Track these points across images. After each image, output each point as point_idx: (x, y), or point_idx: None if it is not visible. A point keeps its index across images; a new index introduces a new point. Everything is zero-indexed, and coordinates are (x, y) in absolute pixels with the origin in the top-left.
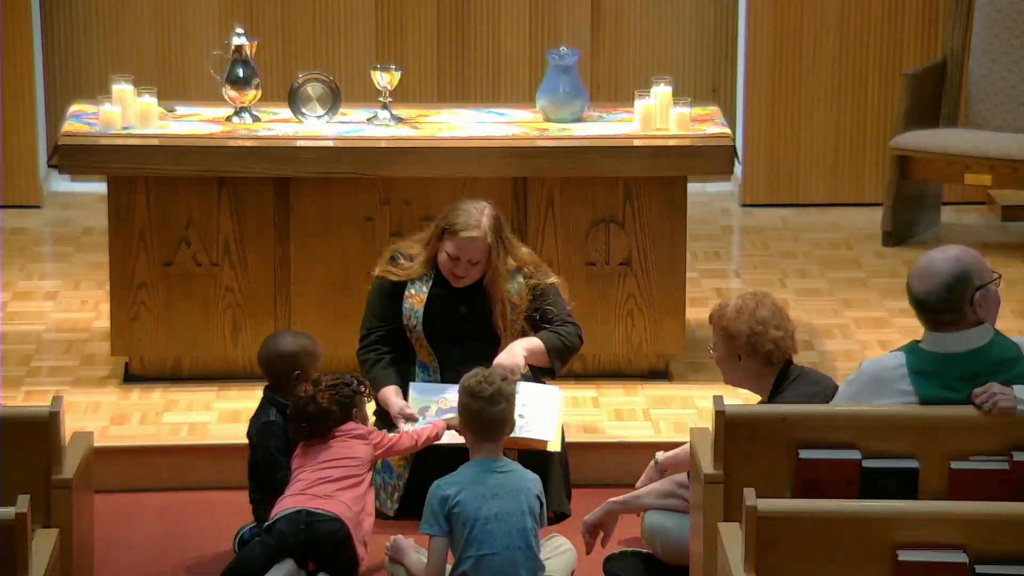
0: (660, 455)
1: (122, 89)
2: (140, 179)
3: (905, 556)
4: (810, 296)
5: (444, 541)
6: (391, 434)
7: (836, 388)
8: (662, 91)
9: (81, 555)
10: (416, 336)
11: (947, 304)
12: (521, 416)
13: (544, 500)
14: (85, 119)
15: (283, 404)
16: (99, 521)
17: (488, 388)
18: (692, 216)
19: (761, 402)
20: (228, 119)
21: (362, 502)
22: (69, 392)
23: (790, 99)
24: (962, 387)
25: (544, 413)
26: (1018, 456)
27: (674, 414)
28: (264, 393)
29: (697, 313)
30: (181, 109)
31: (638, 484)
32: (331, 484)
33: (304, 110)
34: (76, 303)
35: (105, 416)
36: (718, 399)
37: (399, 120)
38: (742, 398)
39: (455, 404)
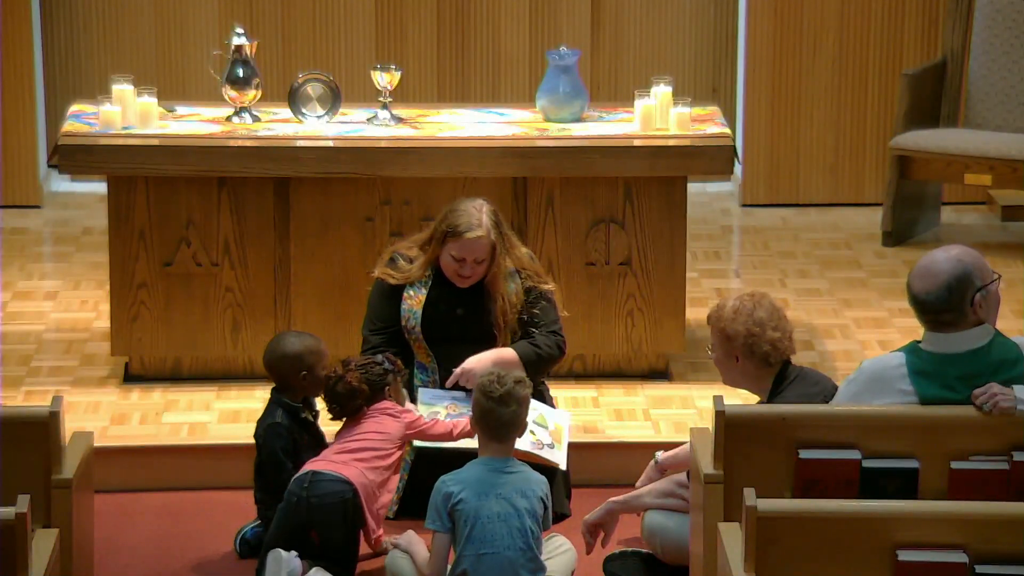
0: (660, 455)
1: (122, 89)
2: (140, 179)
3: (905, 556)
4: (810, 296)
5: (447, 538)
6: (426, 419)
7: (835, 388)
8: (662, 91)
9: (81, 555)
10: (414, 338)
11: (947, 305)
12: (546, 442)
13: (549, 503)
14: (85, 119)
15: (290, 405)
16: (99, 521)
17: (499, 389)
18: (692, 216)
19: (760, 403)
20: (228, 119)
21: (382, 475)
22: (69, 392)
23: (790, 99)
24: (962, 387)
25: (562, 439)
26: (1018, 456)
27: (674, 414)
28: (272, 395)
29: (697, 313)
30: (181, 109)
31: (638, 484)
32: (350, 454)
33: (304, 110)
34: (76, 303)
35: (105, 416)
36: (718, 399)
37: (399, 120)
38: (742, 398)
39: (463, 410)
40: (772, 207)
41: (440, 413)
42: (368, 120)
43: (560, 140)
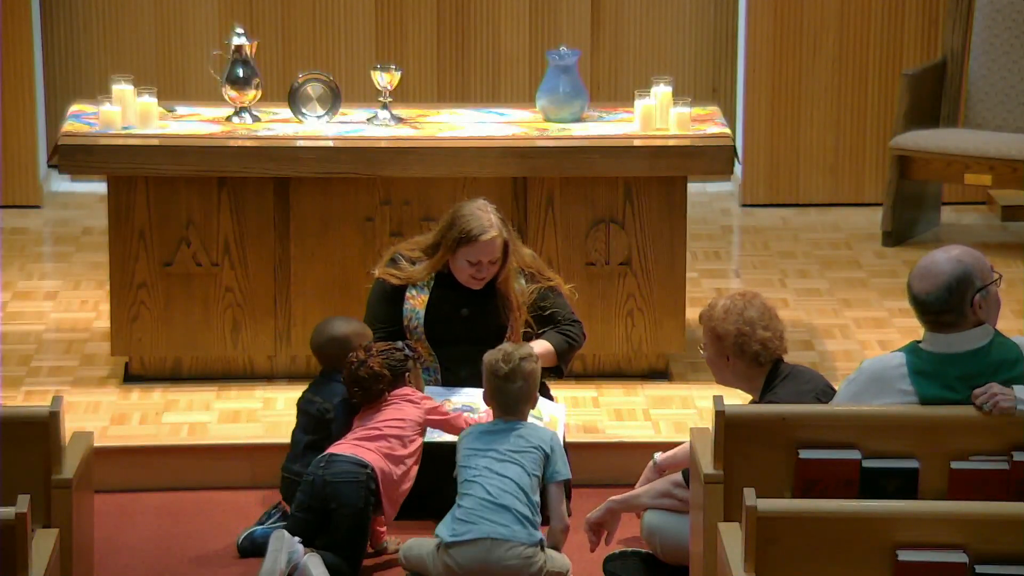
0: (658, 456)
1: (122, 89)
2: (140, 179)
3: (905, 556)
4: (810, 296)
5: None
6: (448, 409)
7: (828, 385)
8: (662, 91)
9: (81, 555)
10: (417, 338)
11: (947, 305)
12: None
13: (557, 451)
14: (85, 119)
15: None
16: (99, 521)
17: (505, 367)
18: (692, 216)
19: (753, 402)
20: (228, 119)
21: (402, 464)
22: (69, 392)
23: (790, 99)
24: (962, 387)
25: (556, 429)
26: (1018, 456)
27: (674, 414)
28: (321, 377)
29: (697, 313)
30: (181, 109)
31: (637, 485)
32: (371, 440)
33: (304, 110)
34: (76, 303)
35: (105, 416)
36: (718, 399)
37: (399, 120)
38: (742, 398)
39: (458, 404)
40: (772, 207)
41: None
42: (368, 120)
43: (560, 140)
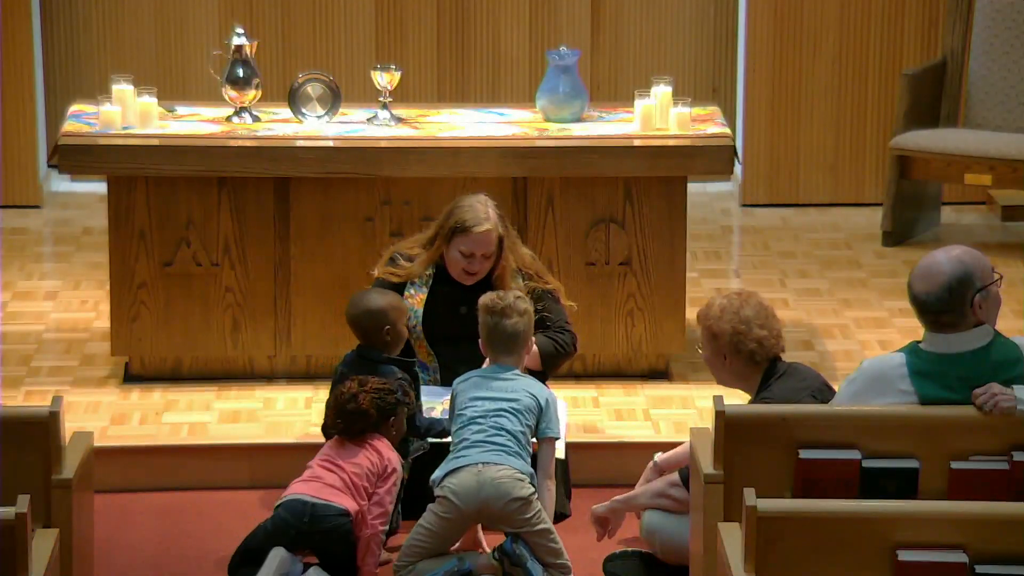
0: (658, 456)
1: (122, 89)
2: (140, 179)
3: (905, 556)
4: (810, 296)
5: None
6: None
7: (824, 383)
8: (662, 91)
9: (81, 555)
10: (416, 336)
11: (947, 306)
12: None
13: (551, 405)
14: (85, 119)
15: (380, 357)
16: (99, 521)
17: (500, 303)
18: (692, 216)
19: (751, 401)
20: (228, 119)
21: (378, 508)
22: (69, 392)
23: (790, 99)
24: (962, 388)
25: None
26: (1018, 456)
27: (674, 414)
28: (359, 350)
29: (697, 313)
30: (181, 109)
31: (637, 485)
32: (341, 480)
33: (304, 110)
34: (76, 303)
35: (105, 416)
36: (718, 399)
37: (399, 120)
38: (742, 398)
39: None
40: (772, 207)
41: (436, 409)
42: (368, 120)
43: (560, 140)
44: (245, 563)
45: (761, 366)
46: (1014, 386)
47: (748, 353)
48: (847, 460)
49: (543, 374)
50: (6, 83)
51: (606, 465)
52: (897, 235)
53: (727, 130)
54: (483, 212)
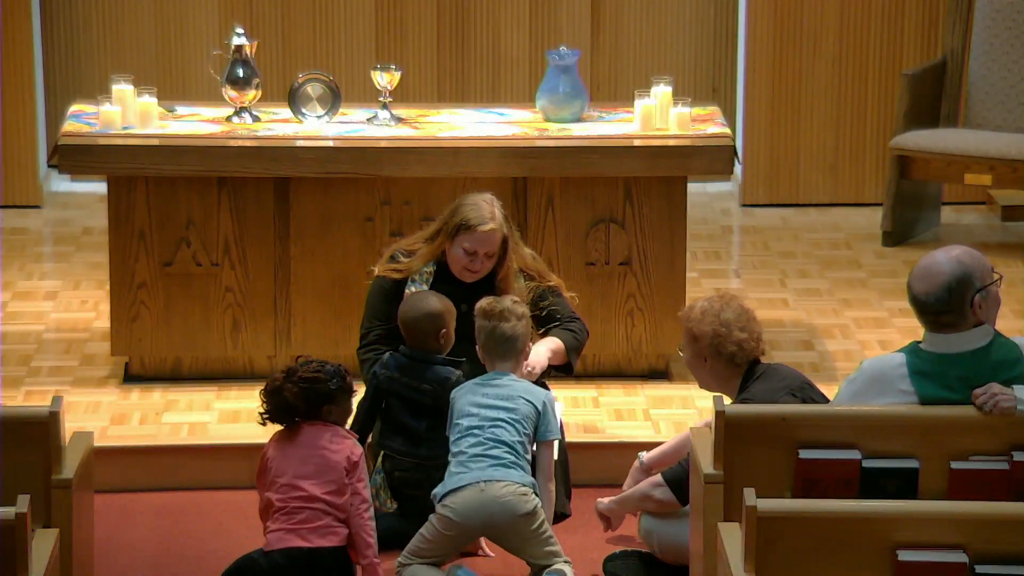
0: (644, 455)
1: (122, 89)
2: (140, 179)
3: (905, 556)
4: (810, 296)
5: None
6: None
7: (804, 381)
8: (662, 91)
9: (81, 555)
10: None
11: (947, 306)
12: None
13: (551, 409)
14: (85, 119)
15: (435, 358)
16: (99, 521)
17: (498, 306)
18: (692, 216)
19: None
20: (228, 119)
21: (358, 499)
22: (69, 392)
23: (790, 99)
24: (962, 388)
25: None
26: (1018, 456)
27: (674, 414)
28: (409, 353)
29: None
30: (181, 109)
31: (624, 486)
32: (317, 512)
33: (304, 110)
34: (76, 303)
35: (105, 416)
36: (718, 399)
37: (399, 120)
38: None
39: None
40: (772, 207)
41: None
42: (368, 120)
43: (560, 140)
44: None
45: (741, 369)
46: (1014, 386)
47: (728, 355)
48: (847, 460)
49: (569, 367)
50: (6, 83)
51: (606, 465)
52: (897, 235)
53: (727, 130)
54: (488, 211)
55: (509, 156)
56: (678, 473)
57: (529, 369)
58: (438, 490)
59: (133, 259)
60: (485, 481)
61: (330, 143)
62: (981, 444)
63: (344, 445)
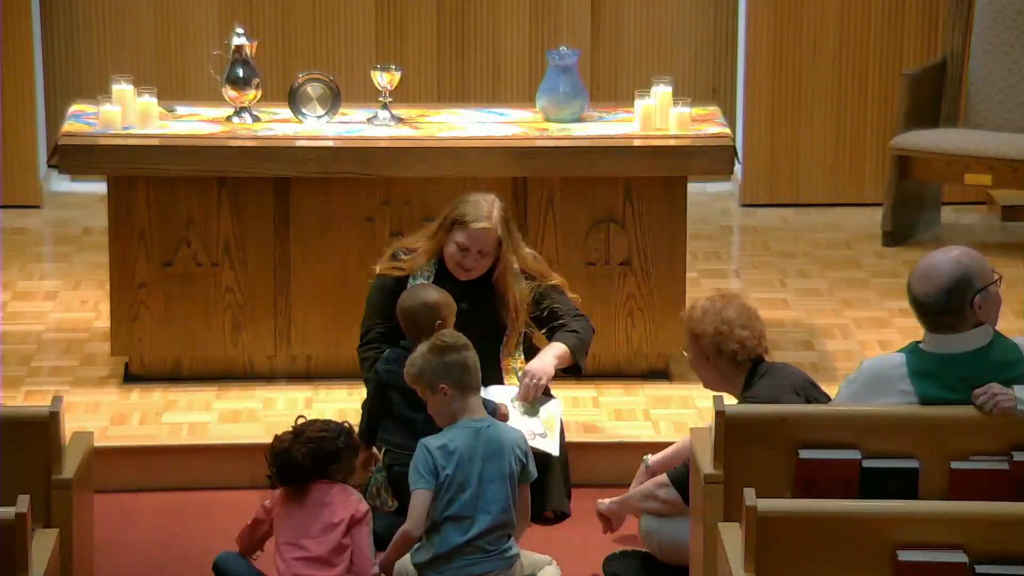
0: (649, 458)
1: (122, 89)
2: (140, 179)
3: (905, 556)
4: (810, 296)
5: (430, 494)
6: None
7: (807, 380)
8: (662, 91)
9: (81, 555)
10: None
11: (947, 307)
12: (537, 431)
13: (528, 455)
14: (85, 119)
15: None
16: (99, 521)
17: (452, 338)
18: (692, 216)
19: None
20: (228, 119)
21: (358, 554)
22: (69, 392)
23: (790, 99)
24: (963, 388)
25: (554, 428)
26: (1018, 456)
27: (674, 414)
28: (407, 346)
29: None
30: (181, 109)
31: (631, 487)
32: (322, 570)
33: (304, 110)
34: (76, 303)
35: (105, 416)
36: (718, 399)
37: (399, 120)
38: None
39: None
40: (772, 207)
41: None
42: (368, 120)
43: (560, 140)
44: None
45: (744, 367)
46: (1014, 386)
47: (730, 354)
48: (847, 460)
49: (578, 368)
50: (6, 83)
51: (606, 465)
52: (897, 235)
53: (727, 130)
54: (486, 210)
55: (509, 156)
56: (683, 473)
57: (536, 380)
58: (419, 559)
59: (133, 259)
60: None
61: (330, 143)
62: (981, 444)
63: (351, 502)
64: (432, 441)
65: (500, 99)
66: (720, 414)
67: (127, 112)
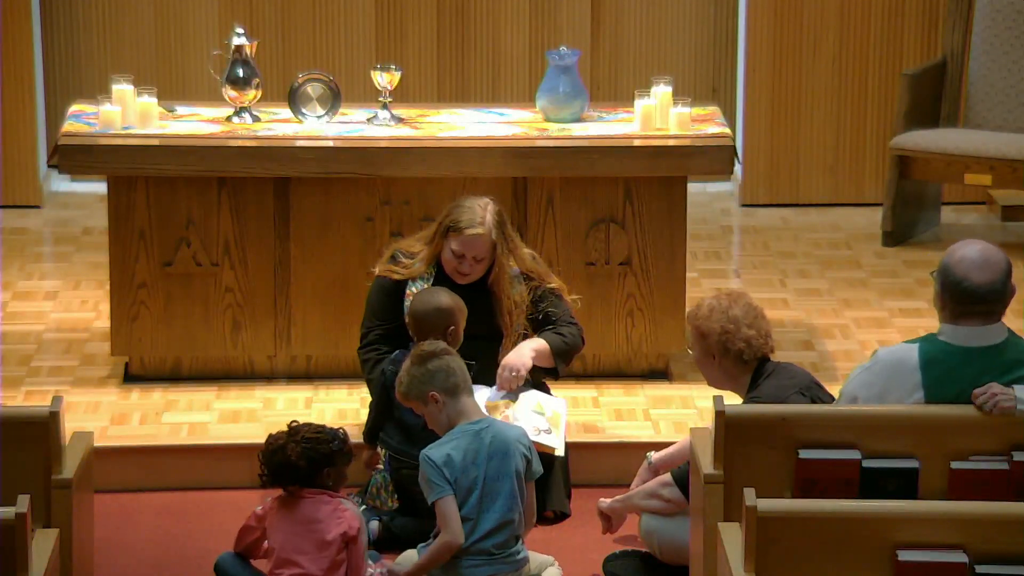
0: (652, 455)
1: (122, 89)
2: (140, 179)
3: (905, 556)
4: (810, 296)
5: (453, 497)
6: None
7: (812, 381)
8: (662, 91)
9: (81, 555)
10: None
11: (1003, 295)
12: (543, 428)
13: (531, 451)
14: (85, 119)
15: None
16: (99, 521)
17: (438, 344)
18: (692, 216)
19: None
20: (228, 119)
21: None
22: (69, 392)
23: (790, 99)
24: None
25: (559, 425)
26: (1018, 456)
27: (674, 414)
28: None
29: None
30: (181, 109)
31: (632, 485)
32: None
33: (304, 110)
34: (76, 303)
35: (105, 416)
36: (718, 399)
37: (399, 120)
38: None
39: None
40: (772, 207)
41: (500, 408)
42: (368, 120)
43: (560, 140)
44: None
45: (750, 366)
46: (1014, 386)
47: (736, 352)
48: (847, 460)
49: (555, 371)
50: (6, 83)
51: (606, 465)
52: (897, 235)
53: (727, 130)
54: (480, 215)
55: (509, 156)
56: (687, 472)
57: (514, 373)
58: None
59: (133, 259)
60: None
61: (330, 143)
62: (981, 444)
63: (344, 518)
64: (434, 453)
65: (500, 99)
66: (720, 414)
67: (127, 112)
